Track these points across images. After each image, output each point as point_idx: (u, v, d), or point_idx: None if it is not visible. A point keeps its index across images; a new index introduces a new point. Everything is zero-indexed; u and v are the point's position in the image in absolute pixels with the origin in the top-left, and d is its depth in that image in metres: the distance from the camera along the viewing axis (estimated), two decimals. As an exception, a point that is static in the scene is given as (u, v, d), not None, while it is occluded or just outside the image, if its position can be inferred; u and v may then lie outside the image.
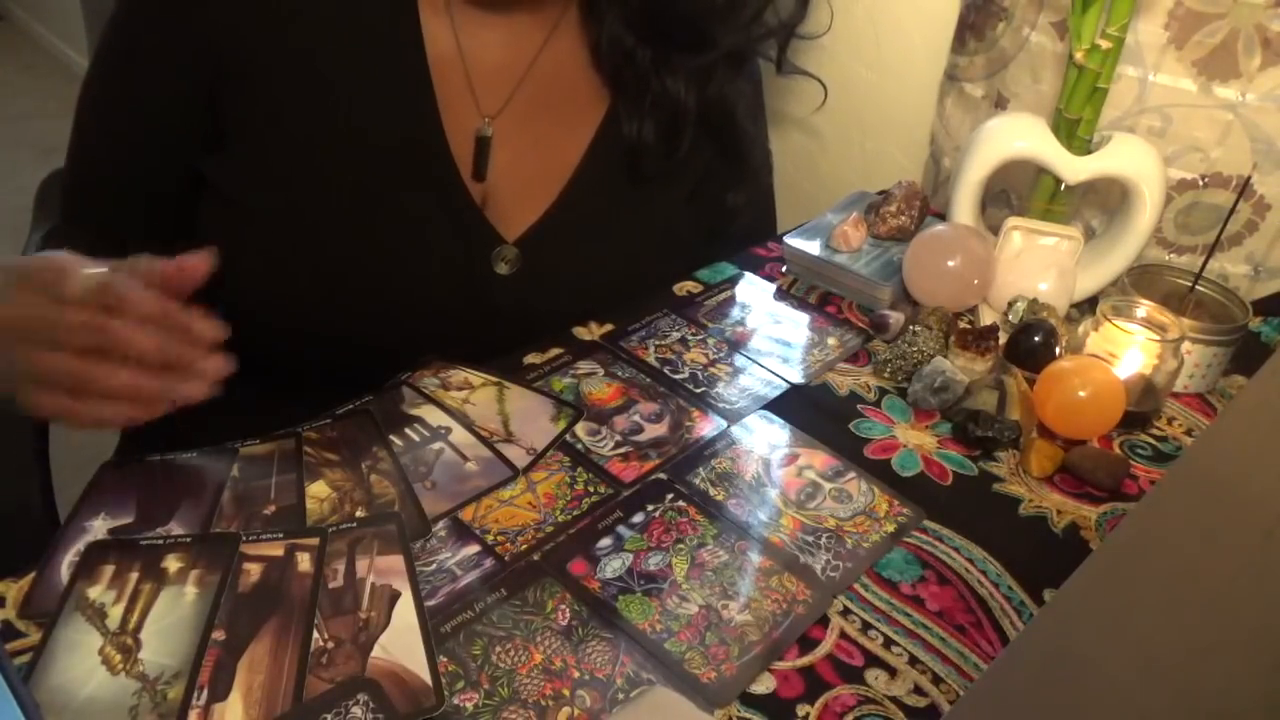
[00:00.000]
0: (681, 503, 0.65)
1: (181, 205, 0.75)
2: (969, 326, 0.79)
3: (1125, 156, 0.85)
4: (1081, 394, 0.70)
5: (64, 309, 0.55)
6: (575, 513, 0.63)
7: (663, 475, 0.67)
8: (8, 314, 0.57)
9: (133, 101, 0.74)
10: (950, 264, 0.84)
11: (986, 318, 0.85)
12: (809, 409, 0.74)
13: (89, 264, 0.57)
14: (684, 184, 0.86)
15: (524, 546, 0.60)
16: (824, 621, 0.58)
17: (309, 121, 0.72)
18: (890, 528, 0.65)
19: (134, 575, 0.55)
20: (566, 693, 0.52)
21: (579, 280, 0.82)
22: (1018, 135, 0.88)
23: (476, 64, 0.77)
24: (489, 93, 0.77)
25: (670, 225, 0.87)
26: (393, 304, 0.76)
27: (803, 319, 0.85)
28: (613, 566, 0.60)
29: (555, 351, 0.77)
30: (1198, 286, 0.81)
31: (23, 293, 0.57)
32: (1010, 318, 0.82)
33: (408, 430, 0.68)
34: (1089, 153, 0.86)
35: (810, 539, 0.63)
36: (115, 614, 0.53)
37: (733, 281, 0.89)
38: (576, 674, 0.53)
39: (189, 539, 0.58)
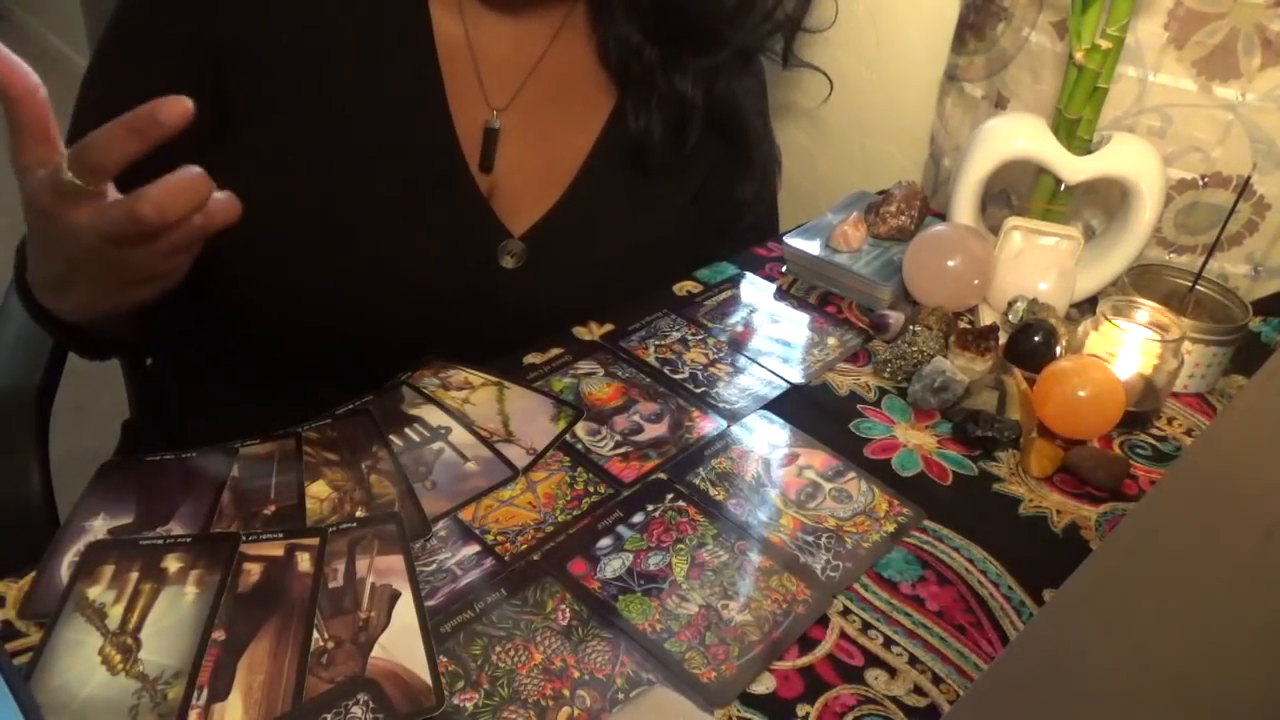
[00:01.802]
0: (681, 503, 0.65)
1: None
2: (969, 326, 0.79)
3: (1125, 156, 0.85)
4: (1081, 394, 0.70)
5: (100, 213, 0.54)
6: (575, 513, 0.63)
7: (663, 475, 0.67)
8: (80, 252, 0.55)
9: (134, 96, 0.73)
10: (950, 264, 0.83)
11: (986, 318, 0.85)
12: (809, 409, 0.74)
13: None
14: (691, 181, 0.86)
15: (524, 546, 0.60)
16: (824, 621, 0.58)
17: (315, 112, 0.72)
18: (890, 528, 0.65)
19: (134, 575, 0.55)
20: (566, 693, 0.52)
21: (584, 276, 0.82)
22: (1018, 135, 0.88)
23: (485, 57, 0.77)
24: (497, 86, 0.78)
25: (677, 222, 0.87)
26: (397, 296, 0.76)
27: (803, 319, 0.85)
28: (613, 566, 0.60)
29: (555, 351, 0.77)
30: (1198, 286, 0.81)
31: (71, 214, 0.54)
32: (1010, 318, 0.82)
33: (408, 430, 0.68)
34: (1089, 153, 0.86)
35: (810, 539, 0.63)
36: (115, 614, 0.53)
37: (733, 281, 0.89)
38: (576, 674, 0.53)
39: (189, 539, 0.58)
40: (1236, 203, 0.79)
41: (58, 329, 0.69)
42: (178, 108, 0.53)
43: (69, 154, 0.53)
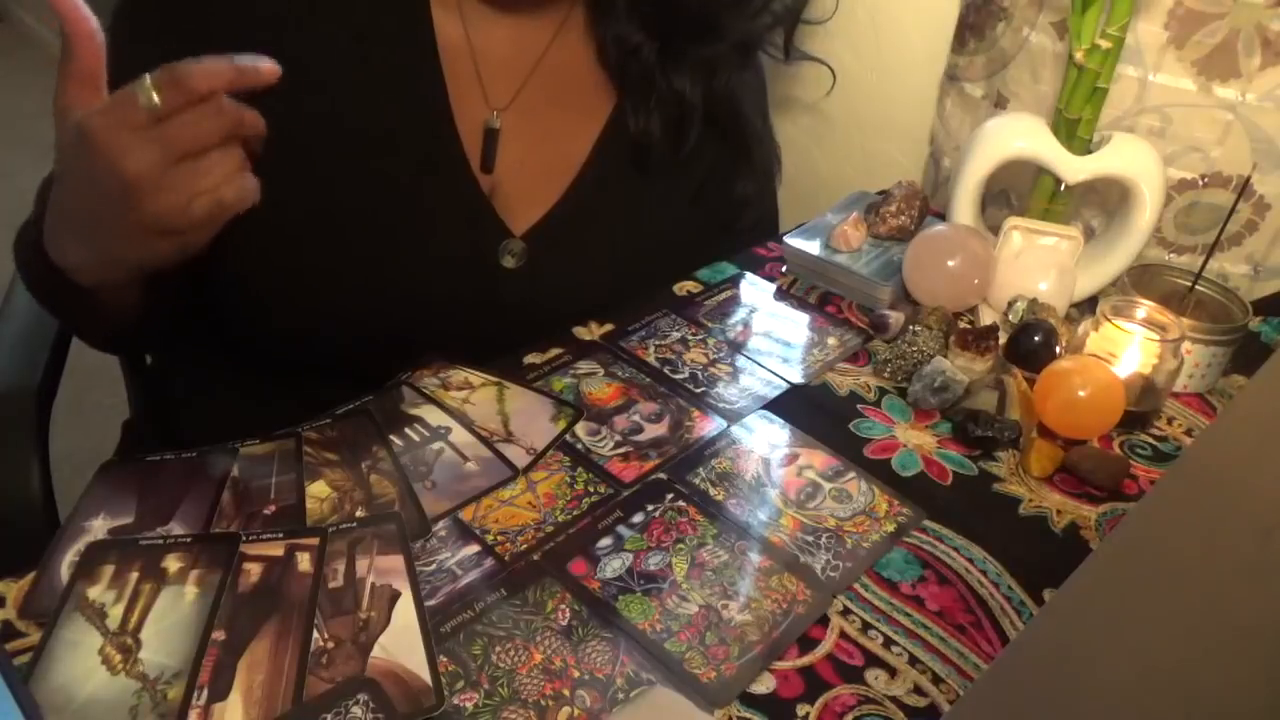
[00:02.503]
0: (681, 503, 0.65)
1: None
2: (969, 326, 0.79)
3: (1125, 156, 0.85)
4: (1081, 394, 0.70)
5: (164, 125, 0.55)
6: (575, 513, 0.63)
7: (663, 475, 0.67)
8: (129, 164, 0.55)
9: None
10: (950, 264, 0.83)
11: (986, 318, 0.85)
12: (809, 409, 0.74)
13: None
14: (691, 180, 0.86)
15: (524, 546, 0.60)
16: (824, 621, 0.58)
17: (316, 112, 0.72)
18: (890, 527, 0.65)
19: (134, 575, 0.55)
20: (566, 693, 0.52)
21: (585, 275, 0.82)
22: (1018, 135, 0.88)
23: (485, 57, 0.77)
24: (497, 86, 0.78)
25: (677, 221, 0.87)
26: (399, 295, 0.76)
27: (803, 319, 0.85)
28: (613, 566, 0.60)
29: (555, 351, 0.77)
30: (1198, 286, 0.81)
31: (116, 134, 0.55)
32: (1010, 318, 0.82)
33: (408, 430, 0.68)
34: (1089, 153, 0.86)
35: (810, 539, 0.63)
36: (115, 614, 0.53)
37: (733, 281, 0.89)
38: (576, 674, 0.53)
39: (189, 539, 0.58)
40: (1236, 203, 0.79)
41: (67, 295, 0.68)
42: (273, 70, 0.57)
43: (155, 74, 0.54)
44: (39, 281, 0.70)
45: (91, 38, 0.56)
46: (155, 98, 0.54)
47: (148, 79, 0.54)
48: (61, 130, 0.57)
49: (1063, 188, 0.88)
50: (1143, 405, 0.75)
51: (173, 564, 0.56)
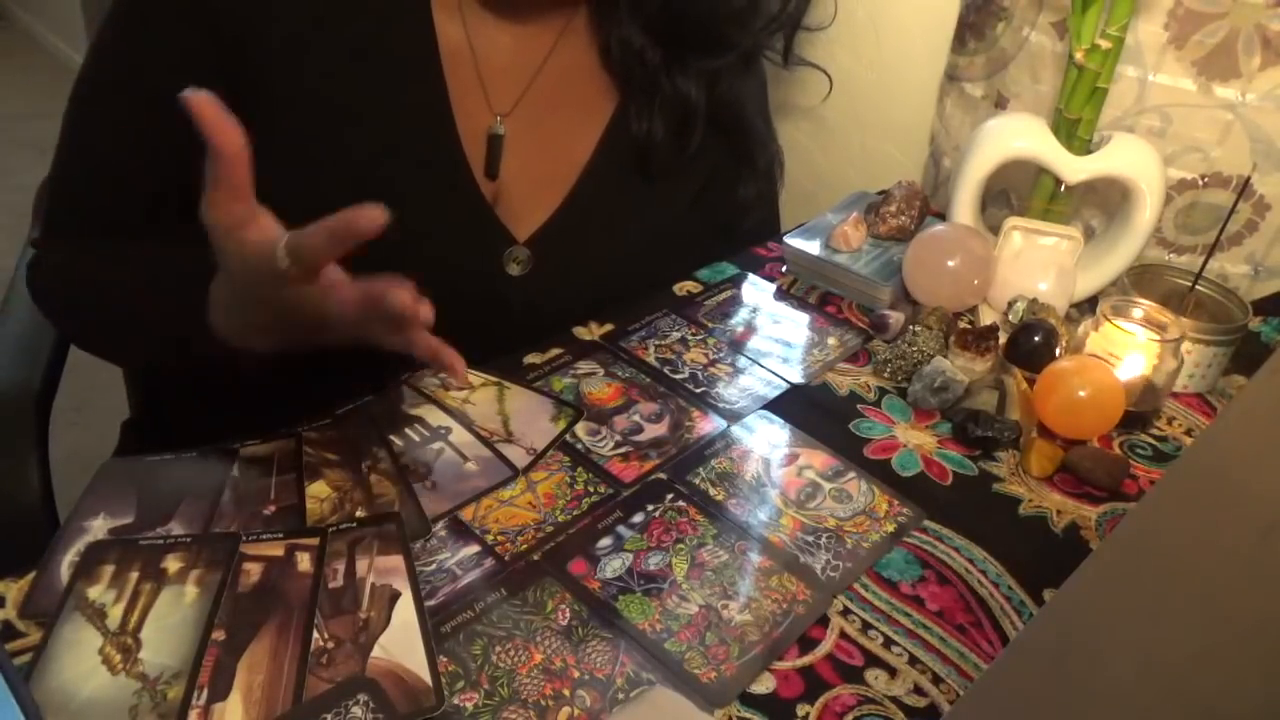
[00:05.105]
0: (681, 503, 0.65)
1: (183, 205, 0.75)
2: (969, 326, 0.79)
3: (1125, 156, 0.85)
4: (1081, 394, 0.70)
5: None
6: (575, 513, 0.63)
7: (663, 475, 0.67)
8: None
9: (137, 101, 0.73)
10: (950, 264, 0.84)
11: (986, 318, 0.85)
12: (809, 409, 0.74)
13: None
14: (694, 182, 0.86)
15: (524, 546, 0.60)
16: (824, 621, 0.58)
17: (319, 118, 0.72)
18: (890, 528, 0.65)
19: (134, 575, 0.55)
20: (566, 693, 0.52)
21: (589, 280, 0.82)
22: (1018, 135, 0.88)
23: (487, 63, 0.77)
24: (500, 92, 0.77)
25: (680, 224, 0.87)
26: None
27: (803, 319, 0.85)
28: (613, 566, 0.60)
29: (555, 351, 0.77)
30: (1198, 286, 0.81)
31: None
32: (1010, 318, 0.82)
33: (408, 430, 0.68)
34: (1089, 153, 0.86)
35: (810, 539, 0.63)
36: (115, 614, 0.53)
37: (733, 281, 0.89)
38: (576, 674, 0.53)
39: (189, 539, 0.58)
40: (1236, 203, 0.79)
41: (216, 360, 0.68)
42: (380, 216, 0.57)
43: (285, 241, 0.57)
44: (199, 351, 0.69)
45: (239, 154, 0.56)
46: (287, 262, 0.57)
47: (281, 246, 0.57)
48: (214, 242, 0.59)
49: (1063, 188, 0.89)
50: (1143, 405, 0.75)
51: (173, 564, 0.56)
